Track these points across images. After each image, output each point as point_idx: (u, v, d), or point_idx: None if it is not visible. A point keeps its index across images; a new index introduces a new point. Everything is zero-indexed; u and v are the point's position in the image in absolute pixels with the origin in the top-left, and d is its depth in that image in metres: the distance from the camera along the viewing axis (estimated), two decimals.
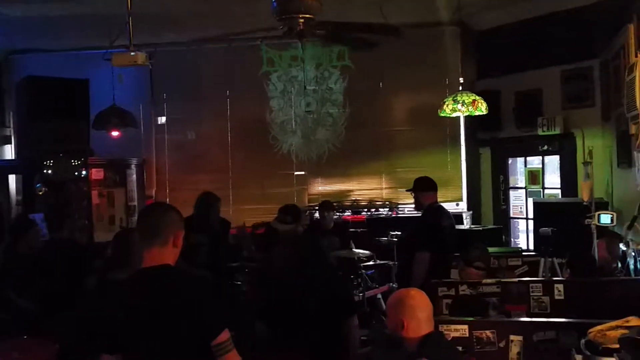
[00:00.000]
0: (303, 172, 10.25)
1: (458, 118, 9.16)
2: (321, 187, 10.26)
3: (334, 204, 8.80)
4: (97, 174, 9.41)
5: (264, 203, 9.76)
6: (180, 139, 10.48)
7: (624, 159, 6.25)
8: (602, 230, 5.98)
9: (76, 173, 9.02)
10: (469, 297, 4.76)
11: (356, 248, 7.94)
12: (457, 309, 4.67)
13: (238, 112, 10.35)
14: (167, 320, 2.84)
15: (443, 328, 3.84)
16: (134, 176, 9.93)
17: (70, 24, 8.64)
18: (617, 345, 2.18)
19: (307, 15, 5.46)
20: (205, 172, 10.31)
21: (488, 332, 3.87)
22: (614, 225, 5.93)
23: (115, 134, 9.53)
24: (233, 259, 7.36)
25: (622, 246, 5.88)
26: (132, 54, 5.73)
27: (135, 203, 9.84)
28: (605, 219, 5.82)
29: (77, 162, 9.01)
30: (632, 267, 5.46)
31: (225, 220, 7.24)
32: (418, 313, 3.13)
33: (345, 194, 10.16)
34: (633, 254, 5.42)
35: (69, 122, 8.90)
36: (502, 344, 3.85)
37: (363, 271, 7.87)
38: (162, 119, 10.52)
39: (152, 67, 8.13)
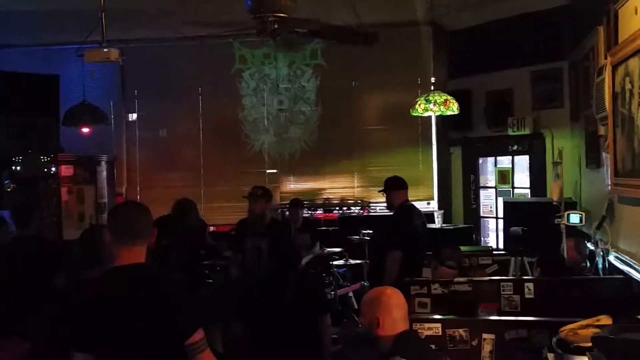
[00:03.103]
0: (275, 171, 10.24)
1: (430, 117, 9.24)
2: (293, 185, 10.27)
3: (306, 202, 8.84)
4: (66, 170, 9.29)
5: (235, 201, 9.70)
6: (152, 136, 10.41)
7: (593, 160, 6.34)
8: (571, 229, 6.07)
9: (45, 170, 8.90)
10: (447, 296, 4.81)
11: (328, 246, 7.99)
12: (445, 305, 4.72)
13: (210, 109, 10.32)
14: (142, 319, 2.84)
15: (417, 326, 3.88)
16: (104, 173, 9.82)
17: (41, 19, 8.54)
18: (589, 344, 2.22)
19: (281, 14, 5.46)
20: (176, 170, 10.27)
21: (461, 331, 3.92)
22: (583, 225, 6.04)
23: (85, 130, 9.43)
24: (209, 259, 7.36)
25: (590, 246, 5.99)
26: (105, 50, 5.68)
27: (105, 200, 9.74)
28: (574, 218, 5.92)
29: (47, 158, 8.89)
30: (600, 266, 5.55)
31: (203, 222, 7.24)
32: (394, 311, 3.15)
33: (317, 192, 10.18)
34: (601, 253, 5.51)
35: (39, 118, 8.79)
36: (474, 342, 3.90)
37: (335, 269, 7.92)
38: (134, 116, 10.44)
39: (124, 64, 8.07)
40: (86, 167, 9.58)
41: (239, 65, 10.26)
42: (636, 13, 4.35)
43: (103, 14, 5.92)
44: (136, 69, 9.90)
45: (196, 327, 2.90)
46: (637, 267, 4.47)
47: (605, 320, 3.01)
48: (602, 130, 5.65)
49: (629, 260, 4.73)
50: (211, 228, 9.48)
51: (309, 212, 9.36)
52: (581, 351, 2.67)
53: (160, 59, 10.18)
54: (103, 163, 9.81)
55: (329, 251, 7.89)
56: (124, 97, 10.38)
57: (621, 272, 4.84)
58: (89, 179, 9.61)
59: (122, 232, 2.97)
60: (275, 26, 5.45)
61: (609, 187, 5.14)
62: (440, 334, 3.95)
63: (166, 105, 10.33)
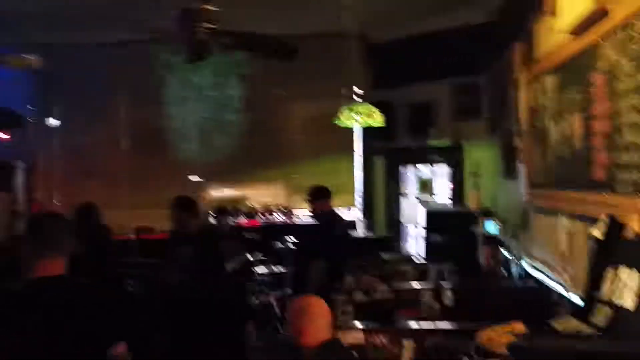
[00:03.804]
0: (199, 178, 10.16)
1: (353, 127, 9.37)
2: (217, 193, 10.21)
3: (230, 209, 8.81)
4: None
5: (160, 208, 9.57)
6: (72, 143, 10.12)
7: (509, 171, 6.53)
8: (488, 238, 6.28)
9: None
10: (369, 303, 4.89)
11: (252, 254, 7.99)
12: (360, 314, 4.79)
13: (133, 116, 10.13)
14: (64, 331, 2.79)
15: (340, 335, 3.93)
16: (21, 180, 9.52)
17: None
18: (504, 350, 2.32)
19: (209, 25, 5.43)
20: (97, 177, 10.01)
21: (383, 338, 4.00)
22: (499, 233, 6.25)
23: (2, 135, 9.13)
24: (117, 266, 7.20)
25: (506, 253, 6.20)
26: (24, 56, 5.53)
27: (21, 208, 9.44)
28: (491, 227, 6.13)
29: None
30: (515, 273, 5.75)
31: (107, 227, 7.04)
32: (318, 320, 3.19)
33: (241, 200, 10.16)
34: (516, 261, 5.71)
35: None
36: (395, 350, 3.99)
37: (258, 277, 7.92)
38: (52, 122, 10.15)
39: (45, 68, 7.86)
40: (2, 173, 9.26)
41: (163, 72, 10.13)
42: (551, 31, 4.54)
43: (23, 20, 5.75)
44: (57, 73, 9.61)
45: (119, 338, 2.88)
46: (549, 274, 4.66)
47: (519, 326, 3.14)
48: (517, 143, 5.86)
49: (542, 268, 4.92)
50: (132, 236, 9.38)
51: (233, 220, 9.31)
52: (496, 357, 2.78)
53: (82, 63, 9.91)
54: (19, 170, 9.50)
55: (253, 259, 7.89)
56: (42, 102, 10.07)
57: (534, 279, 5.03)
58: (4, 186, 9.29)
59: (40, 243, 2.91)
60: (203, 38, 5.41)
61: (524, 197, 5.34)
62: (362, 341, 4.02)
63: (87, 111, 10.07)
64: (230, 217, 8.60)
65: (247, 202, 10.16)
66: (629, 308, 2.62)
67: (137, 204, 9.81)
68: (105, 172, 10.07)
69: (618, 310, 2.72)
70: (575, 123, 3.78)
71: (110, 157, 10.14)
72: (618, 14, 3.02)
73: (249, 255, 7.91)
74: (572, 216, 3.97)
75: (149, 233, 7.44)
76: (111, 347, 2.84)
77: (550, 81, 4.43)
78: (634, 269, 2.67)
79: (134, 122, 10.14)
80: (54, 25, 8.35)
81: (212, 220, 8.52)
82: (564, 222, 4.12)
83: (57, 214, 3.38)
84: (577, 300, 3.73)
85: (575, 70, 3.83)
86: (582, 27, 3.56)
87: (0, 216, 9.06)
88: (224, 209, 8.52)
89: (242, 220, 9.86)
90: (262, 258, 8.07)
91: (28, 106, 9.87)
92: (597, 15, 3.27)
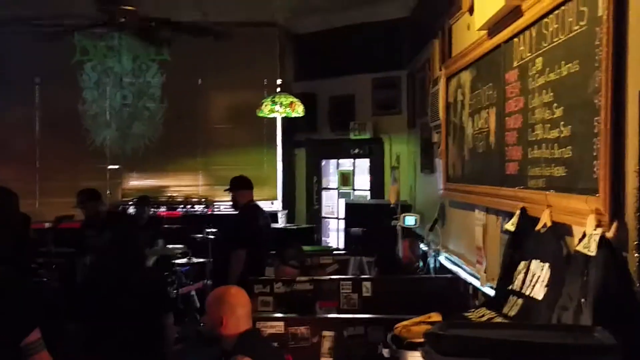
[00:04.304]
0: (117, 166, 9.95)
1: (275, 118, 9.37)
2: (136, 182, 10.02)
3: (149, 199, 8.66)
4: None
5: (74, 196, 9.33)
6: None
7: (427, 165, 6.66)
8: (407, 231, 6.40)
9: None
10: (290, 294, 4.92)
11: (171, 244, 7.89)
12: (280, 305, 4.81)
13: (48, 100, 9.80)
14: None
15: (260, 325, 3.94)
16: None
17: None
18: (421, 340, 2.38)
19: (129, 7, 5.34)
20: (7, 162, 9.61)
21: (302, 329, 4.03)
22: (417, 227, 6.38)
23: None
24: (34, 255, 6.99)
25: (423, 246, 6.34)
26: None
27: None
28: (410, 220, 6.25)
29: None
30: (432, 265, 5.89)
31: (26, 215, 6.82)
32: (238, 310, 3.19)
33: (161, 189, 10.00)
34: (433, 253, 5.85)
35: None
36: (315, 340, 4.03)
37: (178, 268, 7.83)
38: None
39: None
40: None
41: (79, 57, 9.85)
42: (468, 29, 4.65)
43: None
44: None
45: (32, 327, 2.81)
46: (464, 266, 4.79)
47: (436, 317, 3.22)
48: (435, 138, 5.97)
49: (457, 260, 5.05)
50: (46, 224, 9.08)
51: (153, 209, 9.16)
52: (414, 346, 2.84)
53: None
54: None
55: (172, 249, 7.80)
56: None
57: (450, 271, 5.16)
58: None
59: None
60: (124, 19, 5.32)
61: (441, 192, 5.46)
62: (282, 331, 4.04)
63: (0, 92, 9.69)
64: (149, 207, 8.45)
65: (167, 192, 10.02)
66: (538, 298, 2.73)
67: (52, 191, 9.51)
68: (15, 157, 9.68)
69: (529, 300, 2.83)
70: (490, 119, 3.89)
71: (23, 142, 9.77)
72: (531, 13, 3.13)
73: (168, 246, 7.81)
74: (487, 210, 4.09)
75: (67, 222, 7.20)
76: (24, 336, 2.77)
77: (466, 78, 4.54)
78: (544, 261, 2.78)
79: (48, 106, 9.81)
80: None
81: (130, 209, 8.37)
82: (479, 215, 4.23)
83: None
84: (490, 291, 3.85)
85: (490, 67, 3.94)
86: (496, 25, 3.67)
87: None
88: (142, 198, 8.38)
89: (162, 210, 9.71)
90: (182, 249, 7.98)
91: None
92: (512, 14, 3.38)
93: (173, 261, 7.78)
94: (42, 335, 2.85)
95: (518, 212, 3.15)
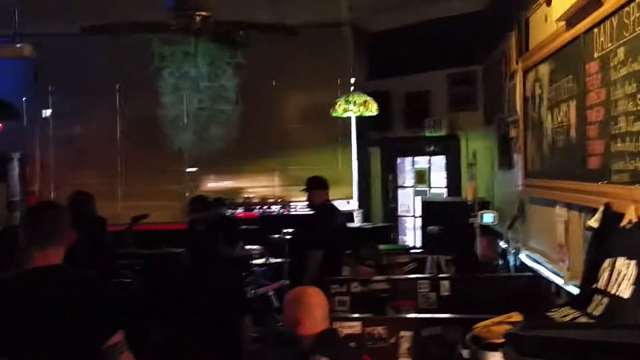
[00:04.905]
0: (195, 169, 10.15)
1: (349, 117, 9.36)
2: (213, 184, 10.20)
3: (226, 200, 8.79)
4: None
5: (154, 200, 9.59)
6: (66, 134, 10.10)
7: (505, 161, 6.54)
8: (485, 228, 6.28)
9: None
10: (366, 294, 4.90)
11: (248, 245, 7.98)
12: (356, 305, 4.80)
13: (128, 107, 10.09)
14: (59, 321, 2.79)
15: (337, 325, 3.93)
16: (16, 171, 9.49)
17: None
18: (502, 340, 2.32)
19: (204, 13, 5.43)
20: (92, 168, 10.00)
21: (380, 329, 4.00)
22: (496, 224, 6.26)
23: None
24: (112, 257, 7.18)
25: (502, 244, 6.21)
26: (17, 45, 5.50)
27: (17, 199, 9.41)
28: (488, 218, 6.13)
29: None
30: (512, 264, 5.76)
31: (102, 218, 7.00)
32: (315, 311, 3.19)
33: (237, 191, 10.14)
34: (513, 251, 5.72)
35: None
36: (392, 340, 3.99)
37: (256, 268, 7.91)
38: (47, 112, 10.10)
39: (38, 58, 7.81)
40: None
41: (158, 63, 10.08)
42: (546, 20, 4.54)
43: (16, 9, 5.72)
44: (51, 63, 9.55)
45: (115, 329, 2.87)
46: (546, 264, 4.66)
47: (517, 317, 3.14)
48: (513, 133, 5.86)
49: (539, 258, 4.92)
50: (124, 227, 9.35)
51: (230, 210, 9.30)
52: (494, 347, 2.78)
53: (76, 54, 9.86)
54: (15, 160, 9.47)
55: (249, 249, 7.88)
56: (37, 92, 10.03)
57: (531, 269, 5.04)
58: (0, 177, 9.28)
59: (37, 233, 2.91)
60: (199, 24, 5.41)
61: (520, 188, 5.34)
62: (359, 331, 4.02)
63: (82, 102, 10.03)
64: (224, 209, 8.57)
65: (244, 193, 10.14)
66: (625, 297, 2.63)
67: (132, 194, 9.79)
68: (100, 163, 10.03)
69: (614, 299, 2.72)
70: (570, 112, 3.78)
71: (106, 147, 10.10)
72: (611, 2, 3.02)
73: (245, 247, 7.90)
74: (569, 206, 3.97)
75: (142, 222, 7.35)
76: (107, 338, 2.83)
77: (544, 70, 4.43)
78: (631, 259, 2.67)
79: (129, 112, 10.10)
80: (47, 15, 8.30)
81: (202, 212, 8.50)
82: (560, 212, 4.12)
83: (54, 203, 3.37)
84: (574, 290, 3.73)
85: (569, 59, 3.82)
86: (575, 16, 3.56)
87: None
88: (217, 200, 8.51)
89: (239, 211, 9.83)
90: (259, 249, 8.05)
91: (23, 97, 9.84)
92: (591, 4, 3.27)
93: (250, 262, 7.86)
94: (125, 337, 2.90)
95: (601, 207, 3.04)
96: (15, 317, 2.79)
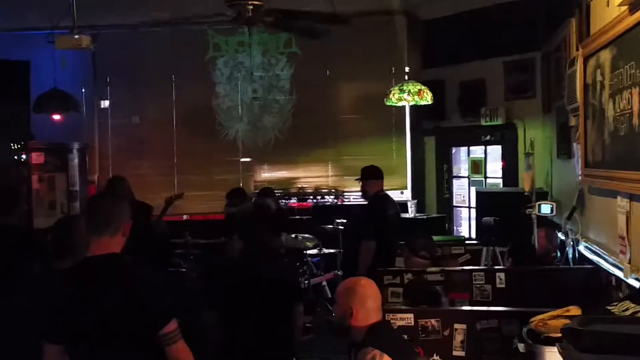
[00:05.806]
0: (249, 159, 10.21)
1: (404, 107, 9.27)
2: (267, 174, 10.24)
3: (280, 191, 8.82)
4: (37, 158, 9.18)
5: (209, 189, 9.67)
6: (124, 124, 10.28)
7: (564, 150, 6.40)
8: (542, 219, 6.14)
9: (16, 157, 8.79)
10: (421, 284, 4.83)
11: (302, 235, 7.99)
12: (410, 294, 4.73)
13: (183, 97, 10.21)
14: (115, 309, 2.84)
15: (389, 317, 3.90)
16: (76, 161, 9.71)
17: (11, 4, 8.38)
18: (559, 334, 2.26)
19: (256, 2, 5.44)
20: (149, 158, 10.16)
21: (433, 321, 3.95)
22: (554, 215, 6.11)
23: (56, 117, 9.35)
24: (169, 246, 7.25)
25: (561, 235, 6.06)
26: (76, 36, 5.61)
27: (77, 188, 9.64)
28: (546, 209, 5.99)
29: (17, 145, 8.79)
30: (570, 256, 5.63)
31: (148, 205, 6.97)
32: (367, 302, 3.16)
33: (291, 181, 10.17)
34: (572, 243, 5.58)
35: (9, 104, 8.69)
36: (446, 332, 3.94)
37: (309, 258, 7.93)
38: (105, 103, 10.29)
39: (96, 50, 7.97)
40: (57, 154, 9.48)
41: (212, 53, 10.17)
42: (608, 5, 4.39)
43: (75, 1, 5.83)
44: (108, 55, 9.76)
45: (170, 317, 2.90)
46: (606, 257, 4.54)
47: (575, 310, 3.06)
48: (573, 121, 5.72)
49: (599, 250, 4.80)
50: (184, 217, 9.49)
51: (284, 201, 9.32)
52: (551, 342, 2.71)
53: (132, 45, 10.05)
54: (74, 150, 9.70)
55: (303, 239, 7.88)
56: (95, 83, 10.24)
57: (591, 262, 4.91)
58: (60, 167, 9.51)
59: (96, 222, 2.99)
60: (251, 14, 5.43)
61: (580, 178, 5.20)
62: (412, 324, 3.98)
63: (138, 92, 10.22)
64: (273, 199, 8.59)
65: (297, 183, 10.16)
66: None
67: (189, 185, 9.90)
68: (156, 153, 10.19)
69: None
70: (633, 99, 3.65)
71: (161, 137, 10.24)
72: None
73: (299, 237, 7.91)
74: (631, 197, 3.85)
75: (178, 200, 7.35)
76: (161, 327, 2.86)
77: (606, 57, 4.29)
78: None
79: (184, 102, 10.22)
80: (104, 7, 8.44)
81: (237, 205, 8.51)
82: (621, 202, 4.00)
83: (114, 194, 3.42)
84: (635, 283, 3.62)
85: (632, 44, 3.71)
86: (639, 0, 3.44)
87: (57, 196, 9.27)
88: (267, 189, 8.53)
89: (292, 201, 9.85)
90: (313, 239, 8.05)
91: (82, 88, 10.06)
92: None
93: (304, 252, 7.87)
94: (179, 325, 2.93)
95: None
96: (71, 305, 2.86)
